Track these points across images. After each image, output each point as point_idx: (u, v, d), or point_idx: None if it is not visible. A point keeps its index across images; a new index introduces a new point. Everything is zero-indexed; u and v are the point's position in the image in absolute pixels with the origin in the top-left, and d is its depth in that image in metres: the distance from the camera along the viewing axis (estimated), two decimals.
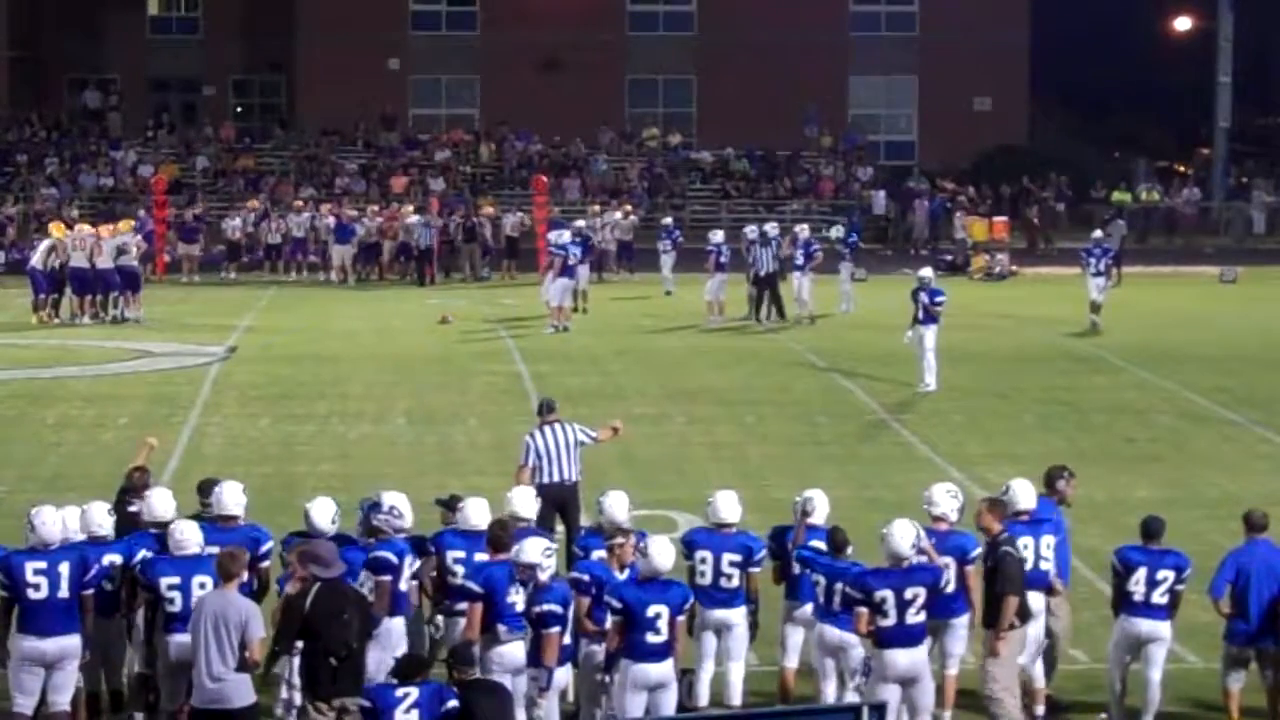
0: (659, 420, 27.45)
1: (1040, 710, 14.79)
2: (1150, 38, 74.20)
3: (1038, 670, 14.78)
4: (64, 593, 13.64)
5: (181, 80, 69.66)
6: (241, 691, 12.91)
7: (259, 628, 12.96)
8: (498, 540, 14.02)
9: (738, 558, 14.46)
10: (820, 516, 14.81)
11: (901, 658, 13.47)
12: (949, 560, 14.34)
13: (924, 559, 13.71)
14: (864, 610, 13.47)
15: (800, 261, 38.25)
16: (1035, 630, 14.64)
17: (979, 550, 14.41)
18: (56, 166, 60.23)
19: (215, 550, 13.68)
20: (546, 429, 18.09)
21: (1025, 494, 14.89)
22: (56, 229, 40.60)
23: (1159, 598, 14.25)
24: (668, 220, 47.74)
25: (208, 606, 12.97)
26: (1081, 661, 15.70)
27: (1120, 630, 14.35)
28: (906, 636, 13.48)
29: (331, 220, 48.67)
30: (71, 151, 61.84)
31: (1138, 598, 14.25)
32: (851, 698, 13.89)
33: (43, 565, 13.65)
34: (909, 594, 13.44)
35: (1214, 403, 28.99)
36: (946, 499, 14.66)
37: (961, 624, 14.53)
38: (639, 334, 37.13)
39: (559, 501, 17.66)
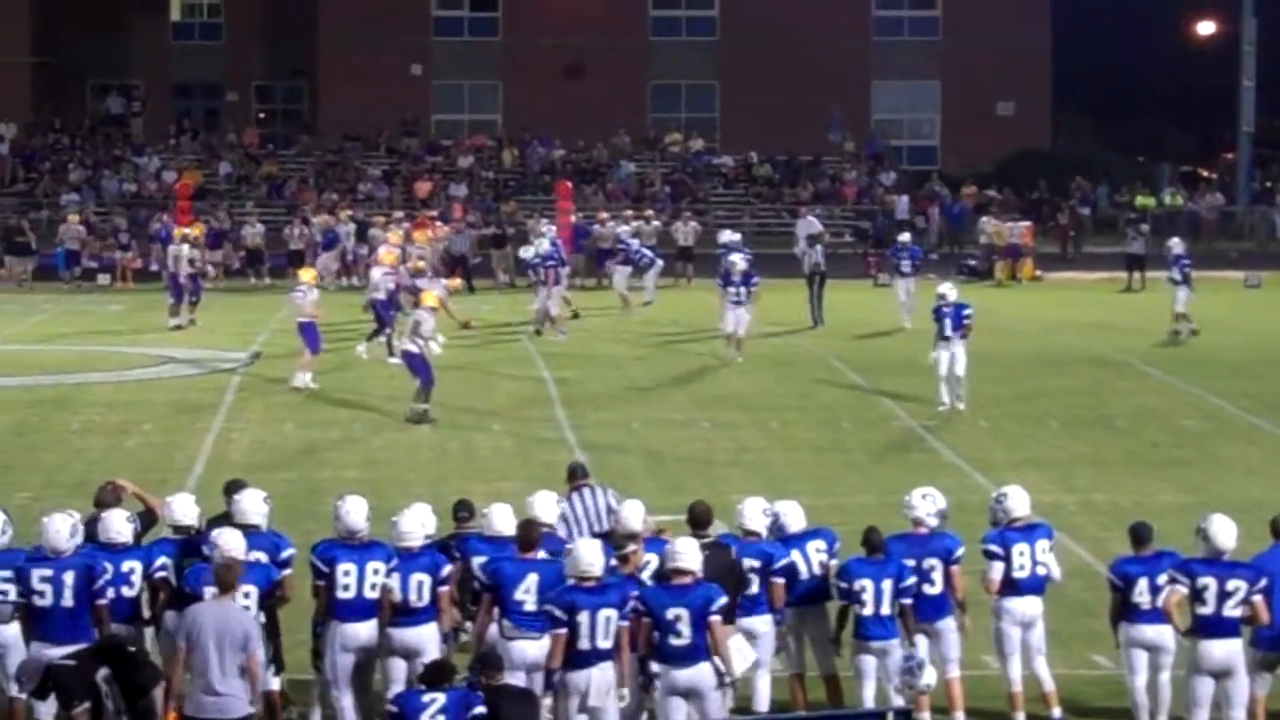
0: (684, 425, 27.46)
1: (1057, 712, 14.76)
2: (1173, 42, 74.11)
3: (1045, 674, 14.77)
4: (68, 602, 13.56)
5: (204, 86, 69.85)
6: (239, 703, 12.82)
7: (260, 640, 12.96)
8: (525, 540, 13.99)
9: (757, 564, 14.41)
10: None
11: (1217, 649, 13.76)
12: (935, 562, 14.49)
13: None
14: (1180, 589, 13.81)
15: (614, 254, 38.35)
16: (1037, 636, 14.74)
17: (963, 550, 14.62)
18: (79, 172, 60.35)
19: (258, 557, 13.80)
20: (576, 496, 16.21)
21: (1020, 501, 14.94)
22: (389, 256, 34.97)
23: (1163, 602, 14.23)
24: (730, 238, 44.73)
25: (206, 618, 12.83)
26: (1104, 667, 15.65)
27: (1127, 635, 14.35)
28: (1223, 627, 13.77)
29: (353, 226, 48.71)
30: (94, 157, 61.95)
31: (1145, 606, 14.25)
32: (896, 700, 13.97)
33: (48, 573, 13.59)
34: (1230, 585, 13.75)
35: (1239, 407, 28.93)
36: (924, 503, 14.76)
37: (949, 626, 14.61)
38: (662, 339, 37.11)
39: None
